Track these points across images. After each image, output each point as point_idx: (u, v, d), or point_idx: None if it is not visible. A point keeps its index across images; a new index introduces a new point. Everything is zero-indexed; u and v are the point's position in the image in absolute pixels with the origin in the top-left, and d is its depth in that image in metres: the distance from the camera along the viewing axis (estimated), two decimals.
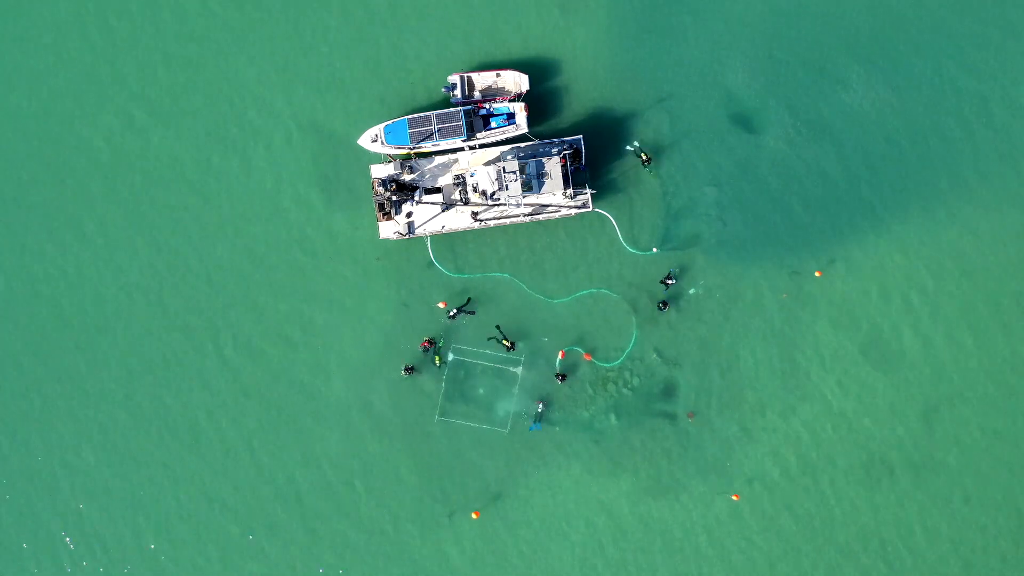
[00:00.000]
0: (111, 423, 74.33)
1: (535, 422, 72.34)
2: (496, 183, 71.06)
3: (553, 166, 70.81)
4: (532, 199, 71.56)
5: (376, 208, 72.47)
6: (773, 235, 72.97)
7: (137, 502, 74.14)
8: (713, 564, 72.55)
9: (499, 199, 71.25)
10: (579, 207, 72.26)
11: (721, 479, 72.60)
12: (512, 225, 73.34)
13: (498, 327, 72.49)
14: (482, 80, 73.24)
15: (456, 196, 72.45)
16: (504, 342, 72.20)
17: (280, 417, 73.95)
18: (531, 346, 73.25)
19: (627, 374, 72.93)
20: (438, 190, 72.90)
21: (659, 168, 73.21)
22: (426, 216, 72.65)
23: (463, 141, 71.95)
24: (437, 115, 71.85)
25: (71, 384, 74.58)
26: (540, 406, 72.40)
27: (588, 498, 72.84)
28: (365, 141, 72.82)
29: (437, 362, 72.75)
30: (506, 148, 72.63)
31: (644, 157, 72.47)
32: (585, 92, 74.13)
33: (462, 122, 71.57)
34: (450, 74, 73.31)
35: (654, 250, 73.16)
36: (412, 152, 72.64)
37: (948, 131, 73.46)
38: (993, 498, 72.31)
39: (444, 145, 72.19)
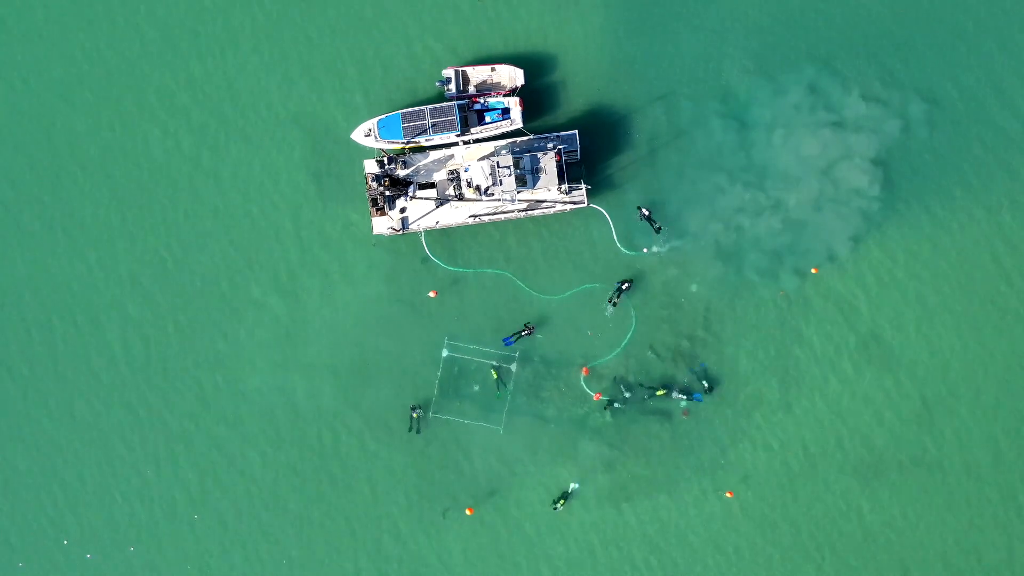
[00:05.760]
0: (104, 421, 74.22)
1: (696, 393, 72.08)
2: (490, 178, 70.65)
3: (548, 161, 70.38)
4: (527, 194, 71.15)
5: (369, 203, 72.07)
6: (770, 232, 72.49)
7: (130, 501, 74.03)
8: (706, 561, 72.28)
9: (493, 194, 70.85)
10: (574, 203, 71.83)
11: (715, 477, 72.29)
12: (507, 221, 72.93)
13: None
14: (477, 74, 72.83)
15: (450, 191, 72.06)
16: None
17: (274, 415, 73.71)
18: (526, 343, 72.91)
19: (622, 371, 72.56)
20: (432, 185, 72.50)
21: (654, 167, 72.93)
22: (420, 211, 72.27)
23: (457, 136, 71.50)
24: (431, 109, 71.42)
25: (63, 378, 74.46)
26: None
27: (582, 496, 72.53)
28: (358, 135, 72.43)
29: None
30: (501, 143, 72.20)
31: (654, 225, 71.87)
32: (581, 87, 73.74)
33: (456, 117, 71.14)
34: (444, 68, 72.92)
35: (645, 251, 72.74)
36: (406, 147, 72.22)
37: (948, 129, 72.97)
38: (990, 496, 71.94)
39: (438, 140, 71.78)
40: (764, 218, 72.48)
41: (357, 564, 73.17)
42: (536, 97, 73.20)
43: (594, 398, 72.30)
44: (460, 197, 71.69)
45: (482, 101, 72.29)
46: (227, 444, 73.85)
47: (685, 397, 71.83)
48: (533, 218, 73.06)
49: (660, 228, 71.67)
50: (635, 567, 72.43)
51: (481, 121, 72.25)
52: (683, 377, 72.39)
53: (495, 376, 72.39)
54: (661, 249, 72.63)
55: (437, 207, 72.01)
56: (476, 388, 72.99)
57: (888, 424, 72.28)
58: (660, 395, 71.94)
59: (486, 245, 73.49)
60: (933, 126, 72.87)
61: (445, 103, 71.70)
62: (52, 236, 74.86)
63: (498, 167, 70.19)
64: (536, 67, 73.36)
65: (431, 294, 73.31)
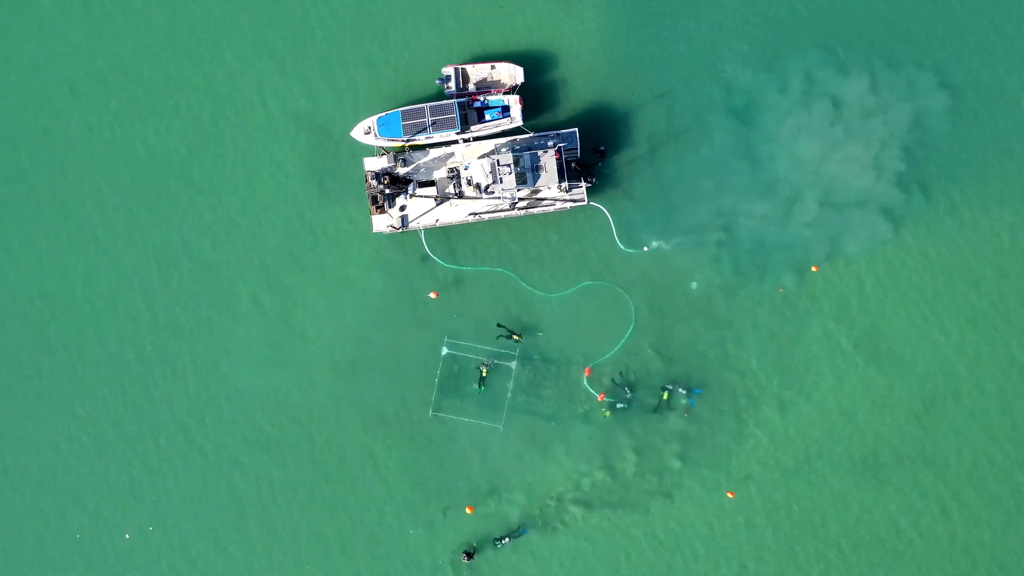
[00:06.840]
0: (101, 420, 74.05)
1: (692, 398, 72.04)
2: (490, 176, 70.55)
3: (548, 159, 70.29)
4: (527, 192, 71.05)
5: (369, 202, 71.95)
6: (770, 229, 72.41)
7: (126, 502, 73.84)
8: (707, 561, 72.18)
9: (493, 192, 70.75)
10: (574, 201, 71.72)
11: (716, 476, 72.18)
12: (507, 219, 72.81)
13: (500, 325, 72.02)
14: (476, 72, 72.74)
15: (450, 189, 71.95)
16: (513, 336, 71.87)
17: (272, 414, 73.55)
18: (526, 341, 72.81)
19: (623, 370, 72.44)
20: (432, 183, 72.38)
21: (654, 165, 72.81)
22: (420, 209, 72.14)
23: (457, 134, 71.39)
24: (431, 107, 71.33)
25: (60, 376, 74.25)
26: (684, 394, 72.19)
27: (582, 494, 72.41)
28: (358, 133, 72.32)
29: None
30: (501, 141, 72.08)
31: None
32: (581, 85, 73.65)
33: (456, 115, 71.04)
34: (444, 66, 72.80)
35: (645, 248, 72.66)
36: (406, 145, 72.12)
37: (950, 125, 72.90)
38: (989, 494, 71.90)
39: (438, 138, 71.66)
40: (765, 215, 72.41)
41: (357, 564, 73.00)
42: (536, 95, 73.09)
43: (599, 398, 72.15)
44: (460, 195, 71.59)
45: (482, 99, 72.19)
46: (225, 442, 73.63)
47: (685, 391, 71.75)
48: (533, 216, 72.94)
49: (594, 171, 71.61)
50: (635, 567, 72.30)
51: (481, 119, 72.16)
52: (681, 375, 72.37)
53: (484, 373, 72.06)
54: (666, 246, 72.57)
55: (437, 205, 71.89)
56: (475, 386, 72.86)
57: (889, 422, 72.20)
58: (666, 399, 71.90)
59: (486, 243, 73.37)
60: (941, 121, 72.76)
61: (445, 101, 71.61)
62: (50, 234, 74.65)
63: (498, 165, 70.11)
64: (536, 65, 73.26)
65: (432, 295, 73.18)
